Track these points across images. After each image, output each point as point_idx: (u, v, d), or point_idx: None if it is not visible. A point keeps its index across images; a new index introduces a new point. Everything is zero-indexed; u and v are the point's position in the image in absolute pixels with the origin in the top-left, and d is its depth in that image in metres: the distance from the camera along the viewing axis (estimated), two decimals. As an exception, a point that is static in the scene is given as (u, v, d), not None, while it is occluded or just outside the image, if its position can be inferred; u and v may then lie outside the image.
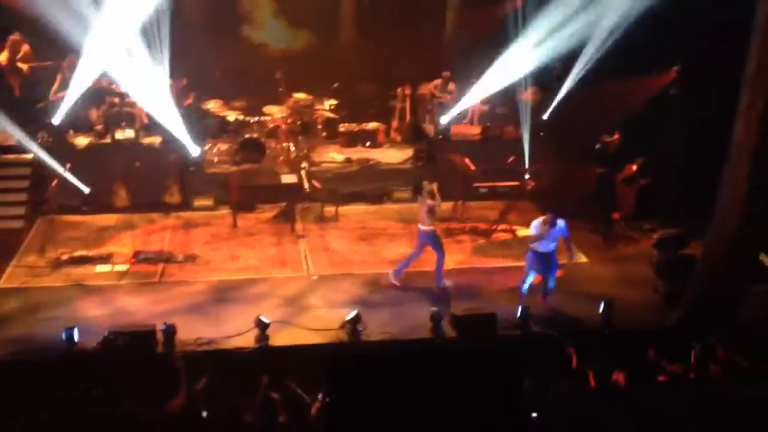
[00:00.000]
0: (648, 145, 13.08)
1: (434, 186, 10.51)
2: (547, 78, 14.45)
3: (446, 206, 13.26)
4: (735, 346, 7.94)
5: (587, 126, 13.51)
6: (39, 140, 12.99)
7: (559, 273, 10.33)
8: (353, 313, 9.61)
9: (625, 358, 7.96)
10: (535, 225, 10.03)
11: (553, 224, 9.91)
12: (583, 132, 13.51)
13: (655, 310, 10.22)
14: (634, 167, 13.03)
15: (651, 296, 10.47)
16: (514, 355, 5.58)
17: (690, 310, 9.69)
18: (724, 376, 7.56)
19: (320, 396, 7.57)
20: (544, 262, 10.13)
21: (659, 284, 10.47)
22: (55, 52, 13.66)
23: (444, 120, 14.54)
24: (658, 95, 13.35)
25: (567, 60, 14.00)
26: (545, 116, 14.31)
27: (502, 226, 12.57)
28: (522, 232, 12.58)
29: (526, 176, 12.79)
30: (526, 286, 10.29)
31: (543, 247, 10.03)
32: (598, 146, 13.06)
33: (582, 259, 11.63)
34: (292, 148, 14.27)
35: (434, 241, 10.64)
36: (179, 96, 13.94)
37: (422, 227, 10.57)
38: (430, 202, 10.46)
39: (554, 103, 14.06)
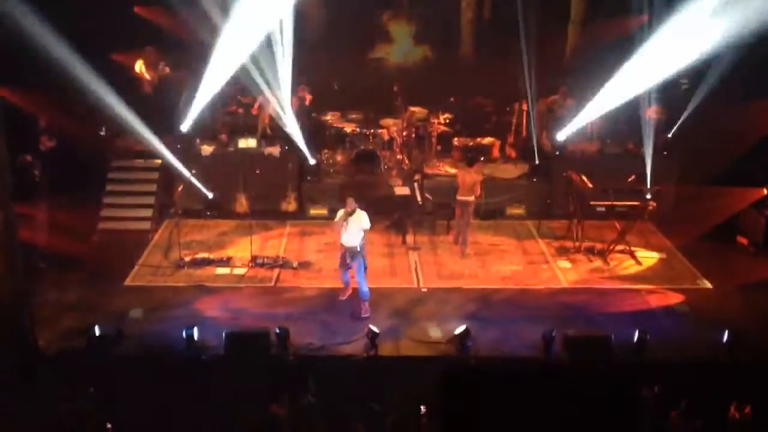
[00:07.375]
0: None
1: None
2: (672, 96, 13.88)
3: (561, 224, 13.06)
4: None
5: (714, 147, 12.91)
6: (168, 146, 13.67)
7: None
8: (462, 328, 9.54)
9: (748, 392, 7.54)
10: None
11: (353, 212, 9.90)
12: (709, 153, 12.93)
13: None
14: (765, 191, 12.38)
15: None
16: (629, 382, 5.36)
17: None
18: None
19: (423, 409, 7.56)
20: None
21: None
22: (187, 62, 14.37)
23: (561, 135, 14.24)
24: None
25: (694, 77, 13.44)
26: (670, 134, 13.75)
27: (619, 247, 12.16)
28: (641, 253, 12.16)
29: (648, 196, 12.28)
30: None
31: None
32: None
33: (706, 284, 11.18)
34: (407, 161, 14.36)
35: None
36: (300, 105, 14.31)
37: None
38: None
39: (680, 121, 13.47)
